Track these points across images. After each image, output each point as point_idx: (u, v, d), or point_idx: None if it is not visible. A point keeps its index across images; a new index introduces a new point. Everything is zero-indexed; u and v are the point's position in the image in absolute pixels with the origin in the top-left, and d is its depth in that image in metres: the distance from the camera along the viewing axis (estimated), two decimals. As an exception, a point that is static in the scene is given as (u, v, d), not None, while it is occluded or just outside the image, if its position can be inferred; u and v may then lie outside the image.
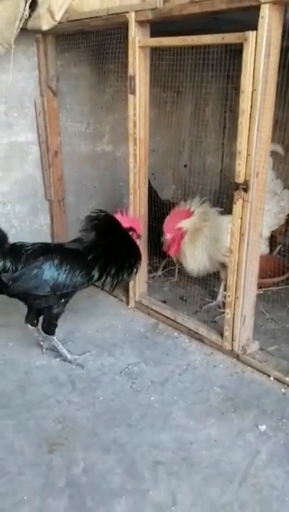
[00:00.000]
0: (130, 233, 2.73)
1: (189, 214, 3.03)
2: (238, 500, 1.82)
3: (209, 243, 3.00)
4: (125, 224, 2.71)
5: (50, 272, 2.48)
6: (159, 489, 1.87)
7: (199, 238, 3.02)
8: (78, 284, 2.55)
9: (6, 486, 1.88)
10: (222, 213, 3.16)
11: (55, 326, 2.66)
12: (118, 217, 2.71)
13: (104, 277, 2.62)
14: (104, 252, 2.59)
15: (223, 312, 3.05)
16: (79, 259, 2.55)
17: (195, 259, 3.06)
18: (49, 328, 2.66)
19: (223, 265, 3.05)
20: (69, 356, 2.69)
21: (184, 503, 1.81)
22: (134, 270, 2.70)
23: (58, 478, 1.91)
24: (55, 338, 2.68)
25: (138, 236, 2.78)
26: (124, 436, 2.14)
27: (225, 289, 3.26)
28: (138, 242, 2.78)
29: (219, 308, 3.24)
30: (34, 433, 2.16)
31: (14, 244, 2.60)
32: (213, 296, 3.37)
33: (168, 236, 2.99)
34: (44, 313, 2.65)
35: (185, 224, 3.01)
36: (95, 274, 2.57)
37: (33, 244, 2.62)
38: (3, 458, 2.01)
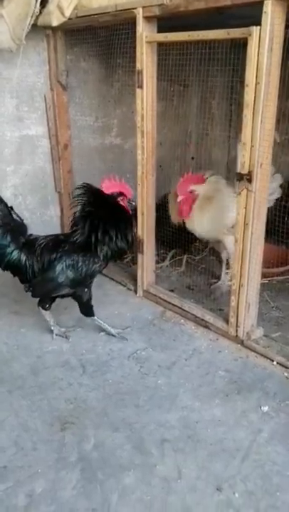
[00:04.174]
0: (120, 198, 2.74)
1: (202, 180, 3.10)
2: (240, 474, 1.92)
3: (217, 212, 3.04)
4: (114, 189, 2.72)
5: (65, 275, 2.64)
6: (166, 464, 1.97)
7: (208, 206, 3.07)
8: (95, 271, 2.70)
9: (21, 460, 1.99)
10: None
11: (91, 307, 2.82)
12: (106, 183, 2.73)
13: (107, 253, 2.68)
14: (98, 227, 2.63)
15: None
16: (87, 250, 2.64)
17: (202, 226, 3.12)
18: (87, 312, 2.84)
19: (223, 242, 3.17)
20: (113, 331, 2.87)
21: (189, 476, 1.91)
22: (129, 237, 2.71)
23: (70, 454, 2.02)
24: (95, 317, 2.85)
25: (129, 200, 2.80)
26: (132, 416, 2.24)
27: (227, 268, 3.38)
28: (128, 205, 2.79)
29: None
30: (47, 412, 2.27)
31: (29, 237, 2.77)
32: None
33: (180, 198, 3.06)
34: (77, 302, 2.82)
35: (198, 188, 3.07)
36: (103, 255, 2.66)
37: (45, 237, 2.77)
38: (18, 435, 2.13)
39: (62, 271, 2.63)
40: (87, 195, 2.70)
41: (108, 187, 2.73)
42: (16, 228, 2.74)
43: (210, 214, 3.08)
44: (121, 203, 2.74)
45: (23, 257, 2.68)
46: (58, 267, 2.63)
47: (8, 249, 2.67)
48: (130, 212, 2.80)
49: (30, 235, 2.80)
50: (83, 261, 2.64)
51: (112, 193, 2.73)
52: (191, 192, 3.07)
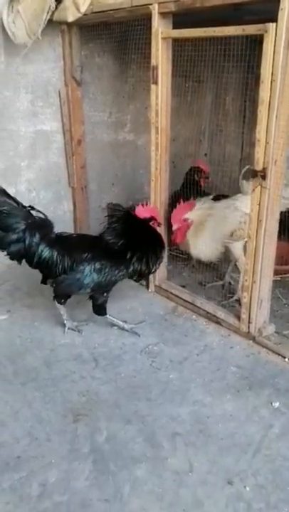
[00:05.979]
0: (151, 222, 2.86)
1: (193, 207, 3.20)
2: (251, 468, 1.93)
3: (214, 231, 3.13)
4: (145, 214, 2.84)
5: (91, 277, 2.69)
6: (177, 457, 2.00)
7: (202, 231, 3.15)
8: (118, 280, 2.77)
9: (35, 451, 2.02)
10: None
11: (104, 308, 2.87)
12: (139, 208, 2.84)
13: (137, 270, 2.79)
14: (137, 247, 2.75)
15: (231, 297, 3.19)
16: (118, 259, 2.72)
17: (197, 249, 3.21)
18: (99, 312, 2.89)
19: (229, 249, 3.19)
20: (126, 326, 2.91)
21: (200, 470, 1.93)
22: (159, 260, 2.86)
23: (83, 445, 2.05)
24: (107, 316, 2.89)
25: (158, 224, 2.92)
26: (144, 409, 2.27)
27: (233, 271, 3.38)
28: (159, 229, 2.93)
29: (223, 287, 3.35)
30: (60, 404, 2.30)
31: (60, 235, 2.82)
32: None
33: (175, 226, 3.16)
34: (92, 302, 2.86)
35: (190, 215, 3.16)
36: (132, 269, 2.75)
37: (77, 235, 2.84)
38: (32, 426, 2.16)
39: (90, 273, 2.68)
40: (123, 216, 2.84)
41: (141, 212, 2.84)
42: (42, 224, 2.75)
43: (204, 238, 3.15)
44: (154, 226, 2.89)
45: (55, 253, 2.70)
46: (87, 269, 2.68)
47: (40, 247, 2.68)
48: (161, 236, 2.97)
49: (62, 232, 2.85)
50: (110, 267, 2.70)
51: (145, 217, 2.84)
52: (185, 220, 3.15)
